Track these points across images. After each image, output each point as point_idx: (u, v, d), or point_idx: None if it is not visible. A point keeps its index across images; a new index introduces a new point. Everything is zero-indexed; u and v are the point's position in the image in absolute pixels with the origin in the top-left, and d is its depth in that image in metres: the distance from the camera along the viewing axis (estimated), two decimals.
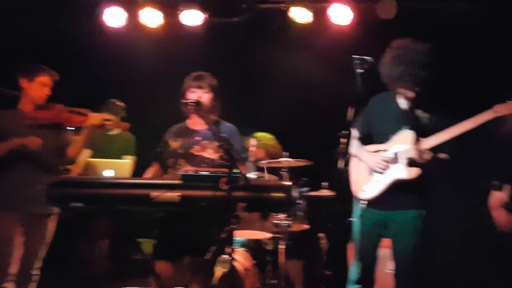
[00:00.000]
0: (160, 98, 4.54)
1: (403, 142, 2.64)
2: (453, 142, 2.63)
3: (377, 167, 2.66)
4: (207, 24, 4.40)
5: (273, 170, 4.08)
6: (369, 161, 2.70)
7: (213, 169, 2.46)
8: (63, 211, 3.56)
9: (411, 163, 2.61)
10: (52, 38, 4.42)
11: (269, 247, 3.91)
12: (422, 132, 2.63)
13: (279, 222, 3.66)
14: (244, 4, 4.37)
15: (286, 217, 3.65)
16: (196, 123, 2.78)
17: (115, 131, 4.26)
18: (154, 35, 4.48)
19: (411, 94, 2.66)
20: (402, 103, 2.73)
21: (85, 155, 4.21)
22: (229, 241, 2.26)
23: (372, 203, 2.66)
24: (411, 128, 2.63)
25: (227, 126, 2.78)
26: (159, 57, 4.63)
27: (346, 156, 2.31)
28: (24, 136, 2.92)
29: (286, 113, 4.64)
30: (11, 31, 4.32)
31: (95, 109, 4.20)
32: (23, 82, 3.01)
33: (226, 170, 2.26)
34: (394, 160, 2.65)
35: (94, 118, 3.02)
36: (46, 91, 3.03)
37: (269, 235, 3.83)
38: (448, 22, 4.13)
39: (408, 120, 2.67)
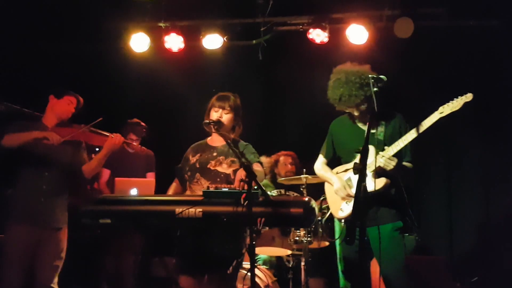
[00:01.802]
0: (183, 118, 4.69)
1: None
2: (413, 150, 2.80)
3: (345, 186, 2.82)
4: (227, 46, 4.56)
5: (293, 187, 4.15)
6: (337, 184, 2.87)
7: (232, 185, 2.55)
8: (93, 228, 3.68)
9: (378, 174, 2.74)
10: (80, 62, 4.65)
11: (290, 264, 3.94)
12: (380, 145, 2.78)
13: (299, 238, 3.70)
14: (263, 27, 4.51)
15: (306, 233, 3.69)
16: (215, 140, 2.89)
17: (135, 149, 4.39)
18: (177, 59, 4.66)
19: (357, 112, 2.84)
20: (358, 122, 2.90)
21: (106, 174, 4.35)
22: (251, 256, 2.32)
23: (350, 222, 2.73)
24: (370, 143, 2.75)
25: (242, 144, 2.89)
26: (182, 79, 4.80)
27: (362, 171, 2.36)
28: (44, 149, 3.03)
29: (304, 130, 4.72)
30: (40, 56, 4.55)
31: (120, 127, 4.41)
32: (52, 99, 3.18)
33: (246, 186, 2.34)
34: (355, 173, 2.73)
35: (115, 140, 3.10)
36: (71, 109, 3.18)
37: (289, 252, 3.86)
38: (463, 40, 4.18)
39: (367, 136, 2.80)
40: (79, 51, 4.67)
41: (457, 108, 2.60)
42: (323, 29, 4.31)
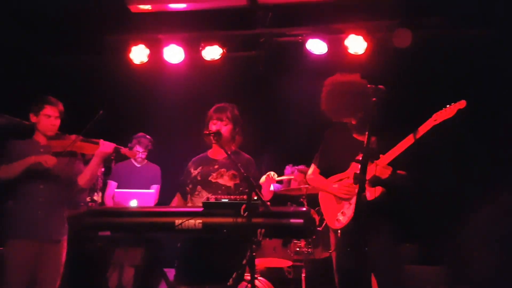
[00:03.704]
0: (183, 130, 4.70)
1: None
2: (407, 160, 2.75)
3: (342, 194, 2.79)
4: (227, 58, 4.58)
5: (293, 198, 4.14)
6: (334, 191, 2.85)
7: (232, 196, 2.55)
8: (92, 240, 3.66)
9: (373, 183, 2.72)
10: (80, 74, 4.67)
11: (291, 275, 3.92)
12: (375, 154, 2.74)
13: (300, 249, 3.68)
14: (262, 38, 4.53)
15: (307, 244, 3.67)
16: (216, 152, 2.89)
17: (141, 163, 4.45)
18: (176, 70, 4.68)
19: (354, 121, 2.84)
20: (354, 132, 2.90)
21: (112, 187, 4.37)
22: (251, 268, 2.30)
23: (347, 232, 2.70)
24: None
25: (244, 157, 2.88)
26: (181, 91, 4.82)
27: (363, 181, 2.36)
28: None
29: (304, 141, 4.71)
30: (40, 68, 4.57)
31: (125, 141, 4.42)
32: (32, 117, 3.15)
33: (245, 197, 2.34)
34: (355, 183, 2.72)
35: (106, 146, 3.08)
36: (52, 122, 3.12)
37: (290, 263, 3.84)
38: (462, 49, 4.20)
39: (361, 145, 2.77)
40: (78, 63, 4.69)
41: (450, 115, 2.59)
42: (322, 39, 4.34)
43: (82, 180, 3.15)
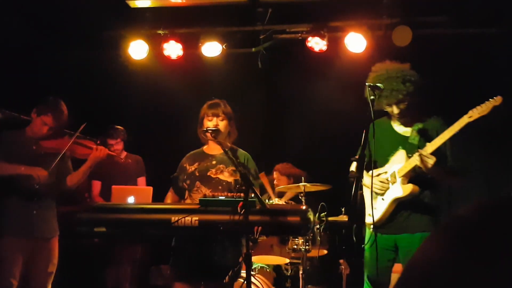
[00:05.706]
0: (181, 126, 4.68)
1: (398, 162, 2.72)
2: (455, 155, 2.66)
3: (376, 188, 2.72)
4: (227, 54, 4.56)
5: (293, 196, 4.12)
6: (369, 185, 2.77)
7: (230, 194, 2.55)
8: (89, 236, 3.64)
9: (416, 176, 2.65)
10: (79, 69, 4.65)
11: (289, 272, 3.92)
12: (413, 149, 2.66)
13: (297, 247, 3.68)
14: (262, 35, 4.51)
15: (304, 242, 3.67)
16: (212, 148, 2.88)
17: (121, 155, 4.36)
18: (176, 66, 4.66)
19: (396, 110, 2.75)
20: (396, 124, 2.83)
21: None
22: (248, 265, 2.30)
23: (380, 227, 2.69)
24: (403, 148, 2.71)
25: (241, 153, 2.87)
26: (181, 87, 4.80)
27: (359, 180, 2.35)
28: (30, 162, 3.02)
29: (304, 138, 4.71)
30: (37, 64, 4.55)
31: (104, 136, 4.36)
32: (33, 113, 3.13)
33: (243, 194, 2.33)
34: (391, 180, 2.70)
35: (99, 152, 3.09)
36: (43, 130, 3.08)
37: (288, 260, 3.84)
38: (460, 47, 4.18)
39: (401, 140, 2.75)
40: (77, 59, 4.67)
41: (485, 112, 2.50)
42: (322, 37, 4.32)
43: (72, 181, 3.16)
